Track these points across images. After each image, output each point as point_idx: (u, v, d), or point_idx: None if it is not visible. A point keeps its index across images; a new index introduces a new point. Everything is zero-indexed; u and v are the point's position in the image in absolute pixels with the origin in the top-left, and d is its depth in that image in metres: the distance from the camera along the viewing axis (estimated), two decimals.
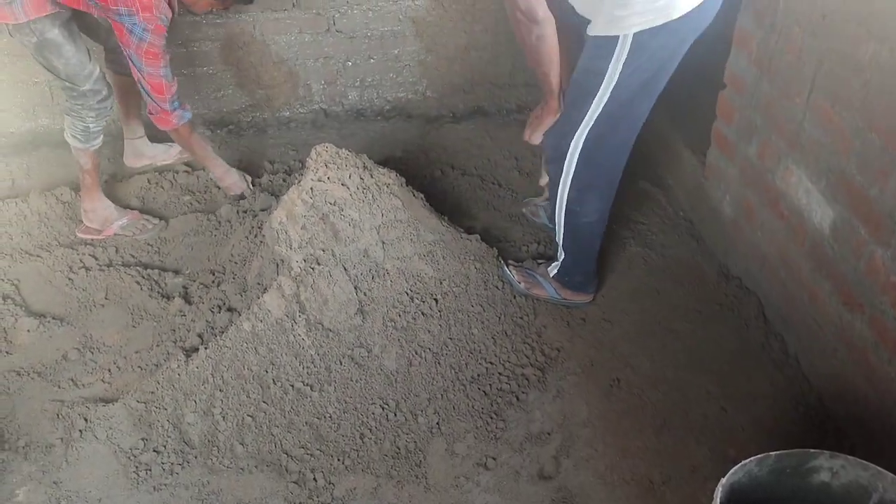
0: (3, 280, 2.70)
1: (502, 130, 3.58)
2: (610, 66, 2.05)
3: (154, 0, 2.44)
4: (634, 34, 1.99)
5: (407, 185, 2.65)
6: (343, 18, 3.45)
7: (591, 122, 2.18)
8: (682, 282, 2.71)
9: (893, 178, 1.87)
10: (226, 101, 3.61)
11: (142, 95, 2.71)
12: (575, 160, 2.28)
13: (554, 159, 2.36)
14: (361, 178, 2.46)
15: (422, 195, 2.70)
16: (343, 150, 2.51)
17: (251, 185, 3.11)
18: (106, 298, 2.66)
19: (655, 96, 2.20)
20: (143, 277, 2.73)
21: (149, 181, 3.21)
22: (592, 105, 2.14)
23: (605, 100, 2.12)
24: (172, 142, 3.39)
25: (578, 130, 2.21)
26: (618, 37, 2.01)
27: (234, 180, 3.06)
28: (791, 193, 2.32)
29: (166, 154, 3.36)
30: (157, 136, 3.40)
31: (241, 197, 3.07)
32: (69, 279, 2.72)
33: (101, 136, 2.84)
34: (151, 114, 2.73)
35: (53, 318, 2.58)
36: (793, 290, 2.37)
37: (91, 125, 2.76)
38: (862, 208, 2.01)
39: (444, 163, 3.37)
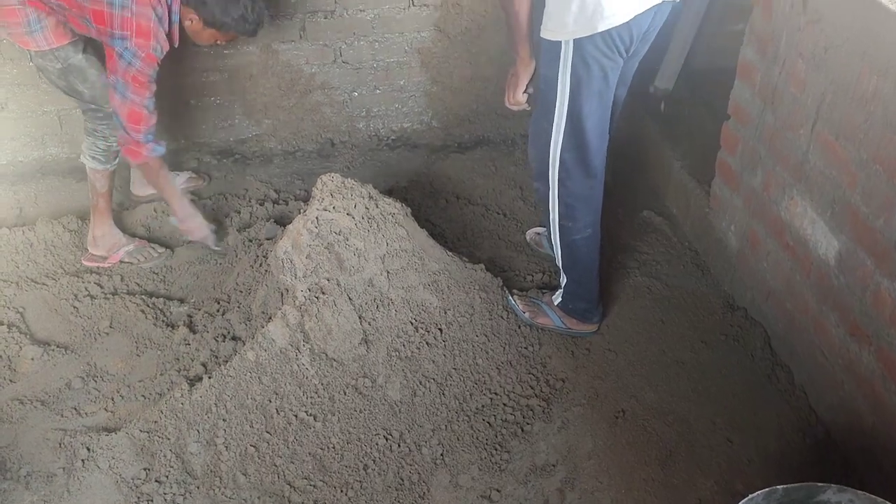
0: (8, 308, 2.70)
1: (507, 160, 3.59)
2: (560, 69, 2.14)
3: (152, 28, 2.44)
4: (574, 40, 2.08)
5: (412, 215, 2.65)
6: (350, 50, 3.49)
7: (561, 134, 2.24)
8: (688, 312, 2.70)
9: None
10: (232, 130, 3.64)
11: (115, 125, 2.64)
12: (557, 174, 2.33)
13: (540, 174, 2.40)
14: (367, 208, 2.47)
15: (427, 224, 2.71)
16: (349, 179, 2.52)
17: (216, 242, 2.96)
18: (110, 327, 2.66)
19: (609, 104, 2.25)
20: (148, 306, 2.73)
21: (155, 210, 3.21)
22: (556, 114, 2.21)
23: (566, 109, 2.19)
24: (178, 171, 3.43)
25: (552, 142, 2.27)
26: (561, 42, 2.10)
27: (196, 225, 2.91)
28: (796, 224, 2.32)
29: None
30: None
31: (209, 247, 2.96)
32: (74, 307, 2.72)
33: (119, 156, 2.86)
34: (122, 144, 2.66)
35: (58, 346, 2.58)
36: (799, 320, 2.36)
37: (113, 144, 2.79)
38: (867, 239, 2.00)
39: (449, 192, 3.38)
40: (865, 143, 1.97)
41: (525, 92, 2.34)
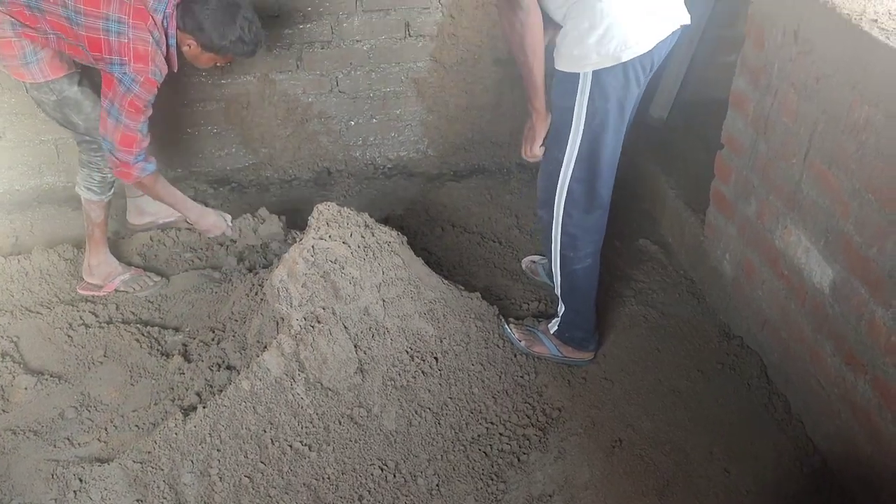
0: (2, 337, 2.69)
1: (502, 188, 3.61)
2: (576, 101, 2.14)
3: (150, 52, 2.45)
4: (593, 72, 2.08)
5: (408, 244, 2.65)
6: (346, 79, 3.51)
7: (572, 164, 2.24)
8: (684, 341, 2.70)
9: (891, 238, 1.88)
10: (229, 159, 3.65)
11: (103, 150, 2.62)
12: (563, 204, 2.32)
13: (545, 202, 2.39)
14: (363, 237, 2.48)
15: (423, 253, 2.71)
16: (345, 208, 2.53)
17: (230, 224, 3.01)
18: (105, 356, 2.65)
19: (622, 135, 2.26)
20: (143, 335, 2.72)
21: (151, 239, 3.22)
22: (569, 144, 2.21)
23: (579, 139, 2.19)
24: None
25: (562, 172, 2.27)
26: (579, 74, 2.09)
27: (211, 222, 2.95)
28: (790, 253, 2.33)
29: (168, 211, 3.37)
30: None
31: (226, 238, 3.03)
32: (68, 336, 2.71)
33: (114, 187, 2.87)
34: (112, 167, 2.63)
35: (51, 376, 2.56)
36: (794, 349, 2.36)
37: (108, 175, 2.80)
38: (861, 268, 2.01)
39: (444, 220, 3.39)
40: (858, 173, 1.99)
41: (541, 146, 2.34)
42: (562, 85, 2.18)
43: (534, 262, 3.07)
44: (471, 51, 3.50)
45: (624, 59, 2.05)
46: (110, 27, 2.41)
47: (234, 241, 3.06)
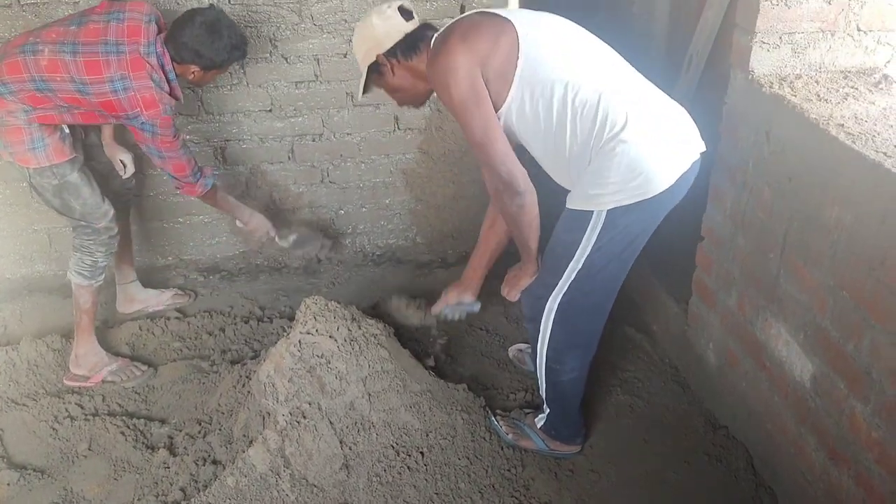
0: None
1: (489, 276, 3.64)
2: (584, 237, 2.10)
3: (155, 96, 2.57)
4: (608, 210, 2.06)
5: (395, 334, 2.68)
6: (336, 171, 3.59)
7: (565, 288, 2.21)
8: (670, 431, 2.70)
9: (868, 335, 1.91)
10: (219, 247, 3.70)
11: (168, 178, 2.89)
12: (551, 322, 2.30)
13: (530, 319, 2.39)
14: (349, 330, 2.50)
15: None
16: (332, 302, 2.56)
17: (272, 232, 3.22)
18: (89, 449, 2.63)
19: (629, 265, 2.24)
20: (129, 427, 2.70)
21: (140, 328, 3.23)
22: (566, 272, 2.18)
23: (579, 268, 2.15)
24: (164, 287, 3.47)
25: (552, 294, 2.24)
26: (592, 211, 2.08)
27: (257, 222, 3.17)
28: (771, 345, 2.35)
29: (158, 299, 3.40)
30: (149, 282, 3.47)
31: (269, 237, 3.24)
32: (53, 429, 2.69)
33: (105, 273, 2.92)
34: (177, 188, 2.91)
35: (34, 471, 2.54)
36: (779, 442, 2.36)
37: (100, 260, 2.86)
38: (840, 363, 2.04)
39: None
40: (832, 270, 2.03)
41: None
42: (571, 221, 2.14)
43: (521, 350, 3.08)
44: (457, 143, 3.59)
45: (649, 196, 2.02)
46: (116, 87, 2.53)
47: (275, 241, 3.28)
